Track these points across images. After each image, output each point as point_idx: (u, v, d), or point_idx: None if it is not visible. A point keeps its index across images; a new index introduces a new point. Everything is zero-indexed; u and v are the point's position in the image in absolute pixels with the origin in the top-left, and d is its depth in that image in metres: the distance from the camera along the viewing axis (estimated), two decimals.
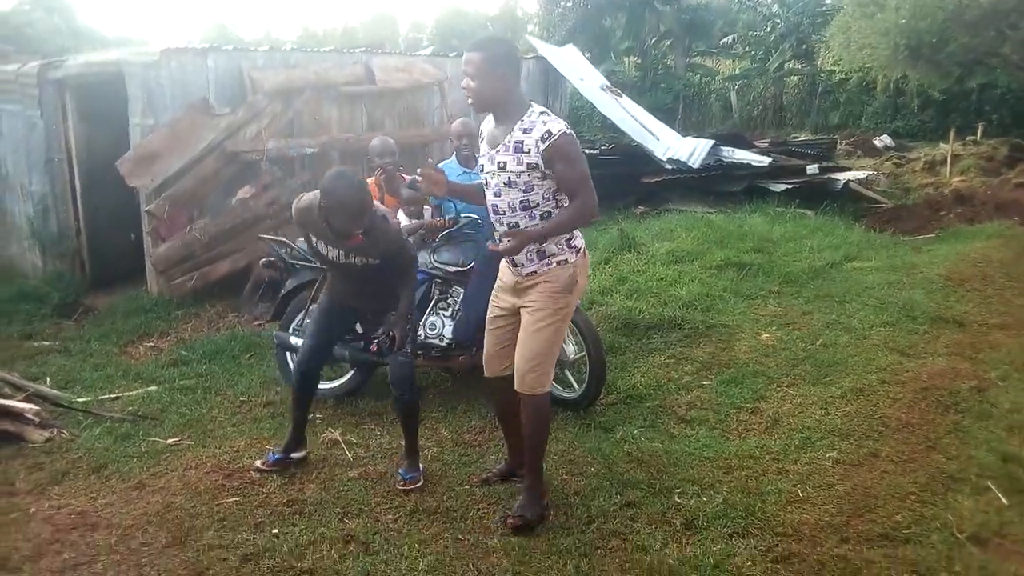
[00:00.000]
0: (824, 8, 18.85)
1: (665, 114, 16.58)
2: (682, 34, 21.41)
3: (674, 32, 21.65)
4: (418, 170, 3.43)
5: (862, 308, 6.14)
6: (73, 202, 8.33)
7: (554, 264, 3.29)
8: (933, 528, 3.26)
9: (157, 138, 7.10)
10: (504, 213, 3.27)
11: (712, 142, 10.89)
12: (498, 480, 3.74)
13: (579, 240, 3.38)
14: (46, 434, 4.40)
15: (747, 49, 22.03)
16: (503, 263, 3.47)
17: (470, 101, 3.28)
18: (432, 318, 4.88)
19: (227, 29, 38.83)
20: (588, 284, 5.39)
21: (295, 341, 4.83)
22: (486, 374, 3.61)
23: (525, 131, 3.16)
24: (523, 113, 3.20)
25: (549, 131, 3.13)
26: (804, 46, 19.63)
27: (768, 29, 20.69)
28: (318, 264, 4.91)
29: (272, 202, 7.49)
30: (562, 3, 22.55)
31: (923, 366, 5.02)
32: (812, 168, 10.81)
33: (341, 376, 4.95)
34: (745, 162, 10.60)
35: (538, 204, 3.22)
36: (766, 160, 10.55)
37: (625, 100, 12.45)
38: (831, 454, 3.92)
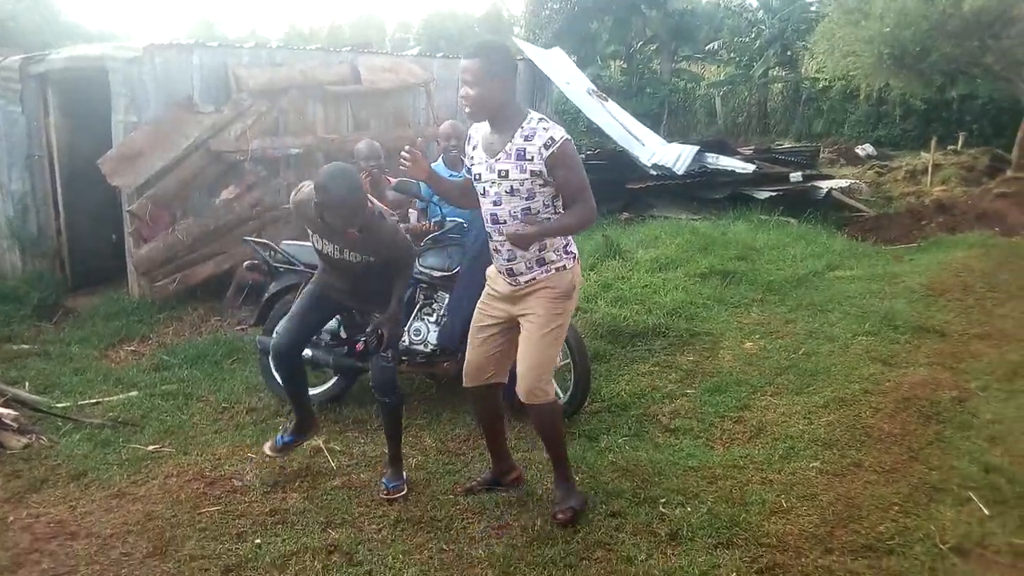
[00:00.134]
0: (809, 15, 19.00)
1: (650, 119, 16.65)
2: (668, 39, 21.52)
3: (660, 37, 21.75)
4: (406, 147, 3.38)
5: (844, 317, 6.18)
6: (54, 201, 8.22)
7: (553, 271, 3.30)
8: (916, 539, 3.28)
9: (140, 136, 7.02)
10: (504, 222, 3.24)
11: (697, 148, 10.95)
12: (482, 489, 3.73)
13: (574, 246, 3.40)
14: (24, 440, 4.34)
15: (732, 55, 22.19)
16: (493, 272, 3.45)
17: (468, 110, 3.24)
18: (417, 323, 4.85)
19: (212, 26, 38.59)
20: None
21: None
22: (466, 384, 3.57)
23: (526, 138, 3.15)
24: (522, 120, 3.19)
25: (552, 138, 3.13)
26: (788, 53, 19.79)
27: (753, 35, 20.84)
28: (302, 267, 4.90)
29: (256, 203, 7.44)
30: (549, 6, 22.58)
31: (905, 376, 5.06)
32: (795, 176, 10.90)
33: (324, 382, 4.91)
34: (729, 169, 10.65)
35: (538, 211, 3.22)
36: (750, 167, 10.61)
37: (611, 104, 12.47)
38: (815, 464, 3.94)
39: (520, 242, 3.13)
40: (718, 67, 23.31)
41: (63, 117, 8.05)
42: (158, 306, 7.04)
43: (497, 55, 3.20)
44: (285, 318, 3.99)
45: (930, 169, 12.64)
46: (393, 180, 4.83)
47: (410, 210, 5.29)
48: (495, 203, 3.25)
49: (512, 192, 3.19)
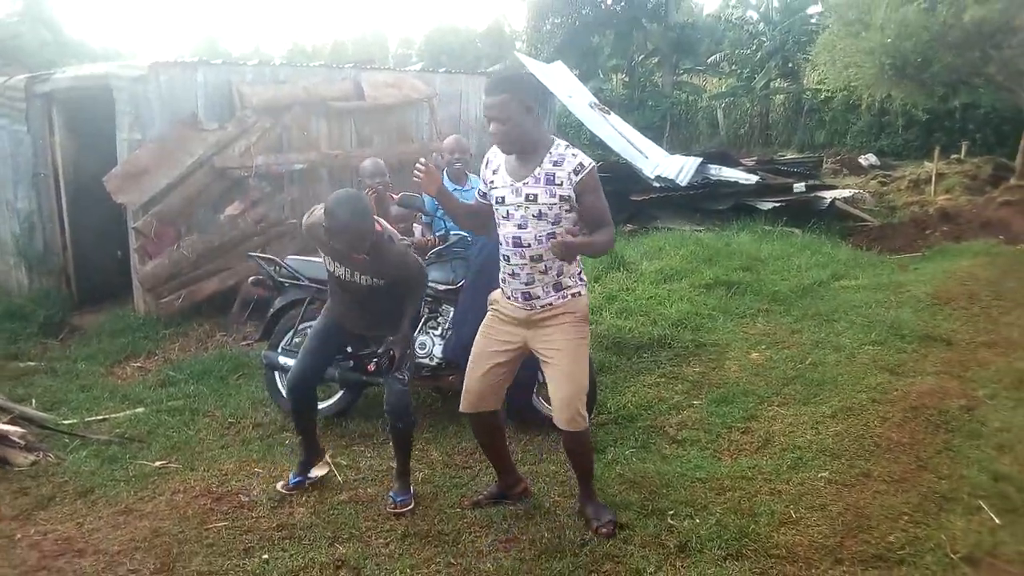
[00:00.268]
0: (810, 27, 19.06)
1: (653, 132, 16.68)
2: (669, 52, 21.59)
3: (661, 50, 21.83)
4: (421, 159, 3.38)
5: (850, 327, 6.17)
6: (59, 218, 8.26)
7: (569, 296, 3.32)
8: (927, 548, 3.26)
9: (145, 153, 7.06)
10: (529, 245, 3.23)
11: (700, 160, 10.96)
12: (489, 502, 3.71)
13: (583, 273, 3.43)
14: (31, 457, 4.34)
15: (733, 67, 22.25)
16: (499, 297, 3.43)
17: (498, 144, 3.23)
18: (422, 337, 4.85)
19: (216, 43, 38.80)
20: None
21: (284, 361, 4.79)
22: (467, 409, 3.51)
23: (555, 163, 3.17)
24: (550, 145, 3.21)
25: (581, 164, 3.17)
26: (790, 64, 19.84)
27: (754, 47, 20.90)
28: (307, 282, 4.91)
29: (260, 219, 7.47)
30: (550, 20, 22.66)
31: (912, 385, 5.04)
32: (799, 186, 10.90)
33: (330, 397, 4.91)
34: (732, 180, 10.67)
35: (560, 235, 3.23)
36: (753, 178, 10.62)
37: (613, 118, 12.51)
38: (823, 474, 3.92)
39: (566, 252, 3.10)
40: (719, 79, 23.37)
41: (68, 135, 8.09)
42: (164, 322, 7.05)
43: (524, 87, 3.20)
44: (299, 353, 3.98)
45: (933, 178, 12.64)
46: (396, 196, 4.85)
47: (414, 224, 5.31)
48: (520, 226, 3.23)
49: (540, 216, 3.20)
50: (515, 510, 3.64)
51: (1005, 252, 8.58)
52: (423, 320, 4.91)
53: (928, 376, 5.20)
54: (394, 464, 3.87)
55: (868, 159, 15.86)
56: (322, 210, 3.57)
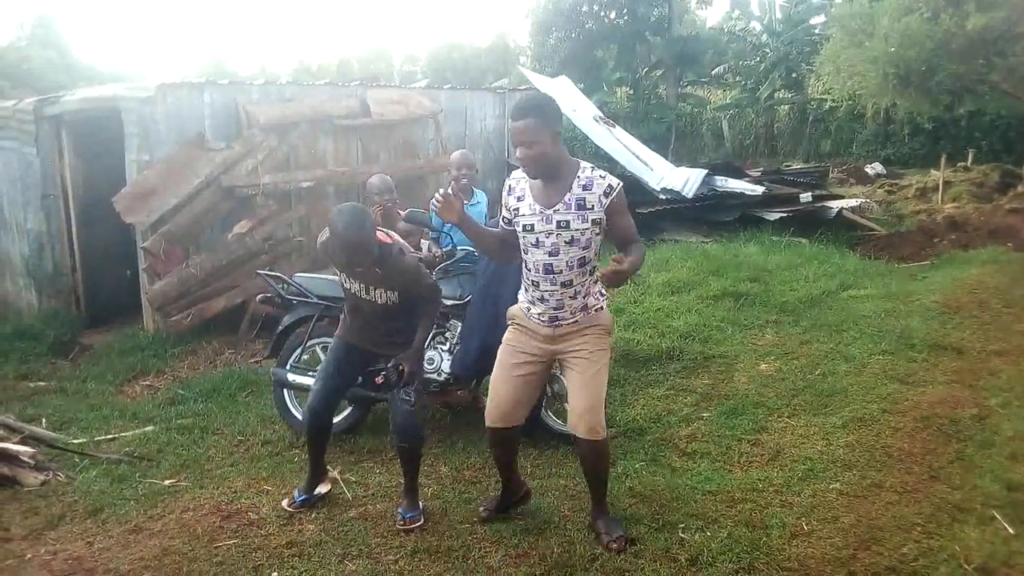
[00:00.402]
0: (813, 37, 19.08)
1: (658, 144, 16.69)
2: (673, 64, 21.63)
3: (665, 62, 21.88)
4: (440, 191, 3.36)
5: (860, 337, 6.14)
6: (69, 239, 8.33)
7: (592, 312, 3.35)
8: (940, 560, 3.24)
9: (153, 174, 7.12)
10: (560, 272, 3.23)
11: (705, 172, 10.96)
12: (497, 515, 3.68)
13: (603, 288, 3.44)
14: (41, 477, 4.36)
15: (738, 78, 22.28)
16: (519, 312, 3.42)
17: (525, 169, 3.21)
18: (430, 353, 4.85)
19: (223, 64, 39.13)
20: None
21: (293, 378, 4.81)
22: (497, 425, 3.45)
23: (584, 187, 3.17)
24: (576, 169, 3.21)
25: (610, 186, 3.18)
26: (794, 75, 19.85)
27: (758, 59, 20.93)
28: (315, 299, 4.93)
29: (268, 237, 7.51)
30: (553, 35, 22.75)
31: (923, 394, 5.01)
32: (805, 196, 10.87)
33: (339, 413, 4.90)
34: (738, 191, 10.66)
35: (590, 260, 3.27)
36: (759, 189, 10.61)
37: (618, 131, 12.54)
38: (835, 486, 3.90)
39: (620, 281, 3.11)
40: (724, 91, 23.40)
41: (77, 157, 8.18)
42: (172, 340, 7.08)
43: (550, 109, 3.19)
44: (317, 376, 3.97)
45: (940, 186, 12.60)
46: (402, 212, 4.87)
47: (422, 240, 5.32)
48: (551, 253, 3.22)
49: (572, 242, 3.20)
50: (525, 525, 3.63)
51: (1014, 259, 8.52)
52: (431, 336, 4.91)
53: (939, 385, 5.17)
54: (403, 480, 3.86)
55: (874, 168, 15.85)
56: None
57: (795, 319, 6.71)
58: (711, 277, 7.67)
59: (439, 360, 4.83)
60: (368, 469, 4.42)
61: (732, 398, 5.14)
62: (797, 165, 15.81)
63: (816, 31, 19.45)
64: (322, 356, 4.71)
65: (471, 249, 4.84)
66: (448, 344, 4.86)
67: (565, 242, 3.20)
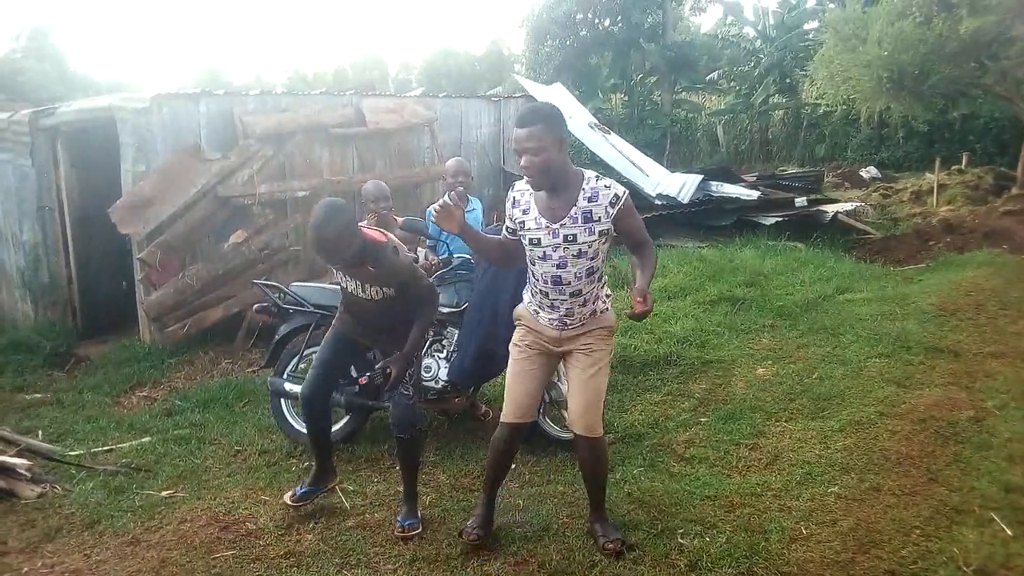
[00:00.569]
0: (807, 43, 19.14)
1: (653, 150, 16.74)
2: (667, 70, 21.69)
3: (659, 69, 21.93)
4: (439, 201, 3.36)
5: (856, 340, 6.15)
6: (65, 251, 8.32)
7: (599, 313, 3.38)
8: (939, 562, 3.24)
9: (149, 184, 7.12)
10: (569, 283, 3.24)
11: (701, 177, 10.98)
12: (486, 531, 3.56)
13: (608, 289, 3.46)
14: (38, 489, 4.34)
15: (732, 84, 22.31)
16: (525, 313, 3.44)
17: (531, 178, 3.18)
18: (427, 360, 4.85)
19: (219, 74, 39.15)
20: None
21: (290, 387, 4.80)
22: (511, 419, 3.43)
23: (590, 199, 3.16)
24: (581, 180, 3.19)
25: (616, 195, 3.17)
26: (788, 80, 19.89)
27: (752, 64, 20.97)
28: (311, 308, 4.92)
29: (264, 247, 7.50)
30: (548, 42, 22.82)
31: (920, 397, 5.02)
32: (801, 201, 10.90)
33: (336, 422, 4.89)
34: (734, 196, 10.68)
35: (598, 268, 3.28)
36: (755, 194, 10.63)
37: (613, 137, 12.57)
38: (833, 489, 3.90)
39: (645, 316, 3.13)
40: (718, 96, 23.43)
41: (73, 168, 8.18)
42: (169, 351, 7.07)
43: (554, 117, 3.18)
44: (311, 366, 3.98)
45: (935, 189, 12.64)
46: (400, 219, 4.88)
47: (418, 248, 5.32)
48: (559, 266, 3.22)
49: (580, 255, 3.20)
50: (524, 532, 3.62)
51: (1009, 262, 8.55)
52: (428, 343, 4.91)
53: (936, 388, 5.18)
54: (401, 488, 3.85)
55: (869, 172, 15.88)
56: None
57: (792, 323, 6.72)
58: (708, 282, 7.68)
59: (436, 368, 4.83)
60: (366, 478, 4.41)
61: (730, 403, 5.15)
62: (792, 170, 15.82)
63: (810, 36, 19.51)
64: None
65: (468, 257, 4.85)
66: (445, 352, 4.86)
67: (573, 255, 3.20)
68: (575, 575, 3.26)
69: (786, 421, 4.83)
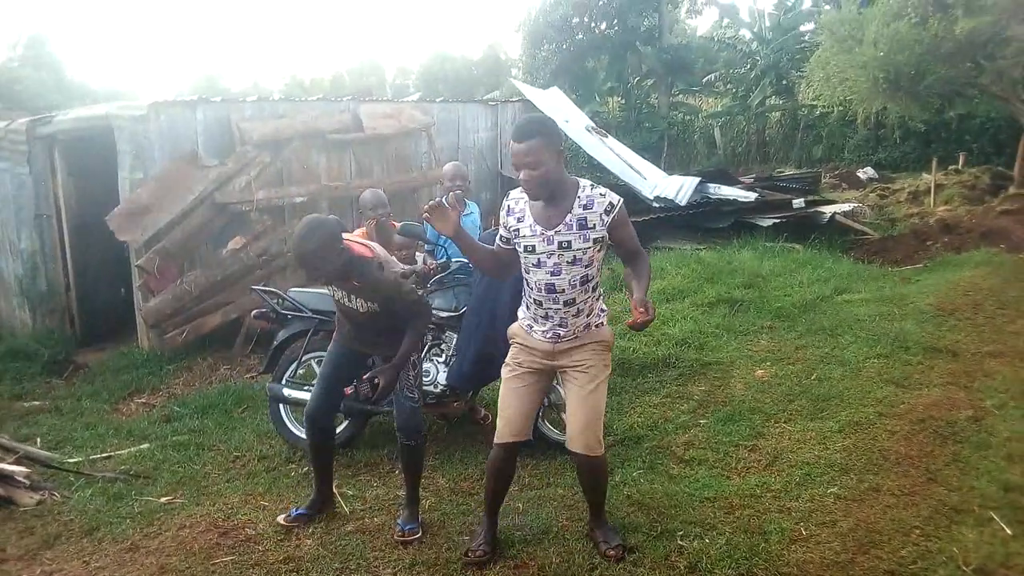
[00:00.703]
0: (803, 44, 19.18)
1: (650, 153, 16.76)
2: (664, 73, 21.73)
3: (656, 72, 21.97)
4: (432, 200, 3.33)
5: (855, 341, 6.15)
6: (63, 258, 8.33)
7: (593, 327, 3.35)
8: (939, 562, 3.24)
9: (146, 192, 7.12)
10: (563, 291, 3.22)
11: (698, 179, 10.99)
12: (491, 550, 3.49)
13: (604, 304, 3.45)
14: (37, 497, 4.34)
15: (729, 86, 22.36)
16: (519, 331, 3.42)
17: (529, 191, 3.17)
18: (425, 364, 4.85)
19: (216, 81, 39.21)
20: None
21: (288, 393, 4.80)
22: (509, 440, 3.38)
23: (585, 207, 3.16)
24: (576, 189, 3.19)
25: (611, 203, 3.17)
26: (784, 82, 19.94)
27: (748, 66, 21.02)
28: (310, 314, 4.93)
29: (262, 253, 7.50)
30: (545, 46, 22.85)
31: (919, 397, 5.02)
32: (798, 202, 10.91)
33: (336, 427, 4.88)
34: (732, 198, 10.69)
35: (593, 276, 3.26)
36: (752, 195, 10.65)
37: (611, 140, 12.58)
38: (832, 490, 3.90)
39: (647, 325, 3.10)
40: (715, 99, 23.49)
41: (70, 176, 8.19)
42: (167, 357, 7.07)
43: (553, 130, 3.17)
44: (316, 383, 3.97)
45: (932, 189, 12.66)
46: (397, 225, 4.88)
47: (417, 253, 5.32)
48: (553, 273, 3.21)
49: (574, 262, 3.19)
50: (524, 535, 3.62)
51: (1007, 261, 8.56)
52: (426, 347, 4.91)
53: (935, 388, 5.18)
54: (400, 493, 3.85)
55: (866, 172, 15.91)
56: None
57: (790, 324, 6.72)
58: (706, 284, 7.69)
59: (435, 372, 4.82)
60: (366, 483, 4.41)
61: (729, 404, 5.15)
62: (789, 171, 15.87)
63: (806, 38, 19.56)
64: (317, 370, 4.70)
65: (466, 261, 4.85)
66: (444, 356, 4.86)
67: (567, 262, 3.19)
68: None
69: (785, 422, 4.83)
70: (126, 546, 3.79)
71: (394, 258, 3.91)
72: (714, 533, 3.53)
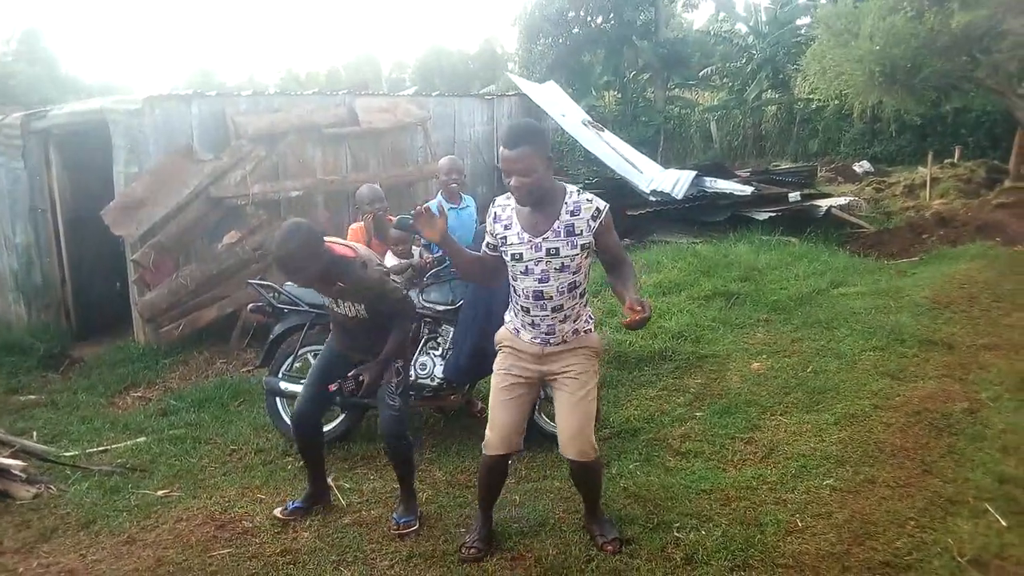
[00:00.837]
0: (799, 38, 19.17)
1: (647, 147, 16.73)
2: (660, 67, 21.69)
3: (652, 66, 21.94)
4: (419, 206, 3.32)
5: (851, 333, 6.16)
6: (58, 252, 8.31)
7: (582, 333, 3.33)
8: (934, 553, 3.25)
9: (141, 186, 7.10)
10: (551, 298, 3.21)
11: (694, 173, 10.99)
12: (485, 547, 3.49)
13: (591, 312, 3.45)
14: (33, 490, 4.34)
15: (725, 80, 22.34)
16: (507, 336, 3.40)
17: (520, 198, 3.14)
18: (422, 358, 4.86)
19: (211, 75, 39.12)
20: None
21: (285, 386, 4.80)
22: (498, 451, 3.36)
23: (572, 213, 3.15)
24: (564, 195, 3.18)
25: (598, 209, 3.16)
26: (780, 76, 19.93)
27: (744, 60, 21.00)
28: (306, 308, 4.92)
29: (258, 247, 7.49)
30: (541, 40, 22.81)
31: (914, 389, 5.03)
32: (794, 196, 10.90)
33: (332, 420, 4.90)
34: (728, 191, 10.68)
35: (580, 283, 3.25)
36: (748, 189, 10.64)
37: (607, 134, 12.58)
38: (828, 482, 3.91)
39: (643, 324, 3.05)
40: (711, 92, 23.46)
41: (65, 170, 8.16)
42: (164, 351, 7.06)
43: (542, 137, 3.15)
44: (303, 386, 3.97)
45: (928, 183, 12.67)
46: (394, 219, 4.87)
47: (413, 247, 5.32)
48: (541, 280, 3.19)
49: (562, 269, 3.18)
50: (520, 528, 3.63)
51: (1002, 254, 8.58)
52: (423, 341, 4.91)
53: (930, 380, 5.19)
54: (397, 486, 3.85)
55: (862, 166, 15.92)
56: None
57: (786, 317, 6.73)
58: (702, 277, 7.69)
59: (432, 365, 4.83)
60: (362, 475, 4.41)
61: (725, 397, 5.16)
62: (785, 165, 15.86)
63: (802, 32, 19.56)
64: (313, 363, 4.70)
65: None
66: (441, 349, 4.86)
67: (555, 269, 3.18)
68: (571, 570, 3.26)
69: (781, 415, 4.84)
70: (123, 539, 3.79)
71: (376, 256, 3.90)
72: (710, 525, 3.54)
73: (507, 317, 3.44)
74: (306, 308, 4.93)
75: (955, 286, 7.31)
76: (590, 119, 12.91)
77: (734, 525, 3.52)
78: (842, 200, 11.70)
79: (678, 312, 6.77)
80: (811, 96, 17.56)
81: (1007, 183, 11.79)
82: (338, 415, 4.88)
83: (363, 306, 3.66)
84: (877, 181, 14.30)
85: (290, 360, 4.90)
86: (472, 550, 3.42)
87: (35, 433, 5.45)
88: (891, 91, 11.65)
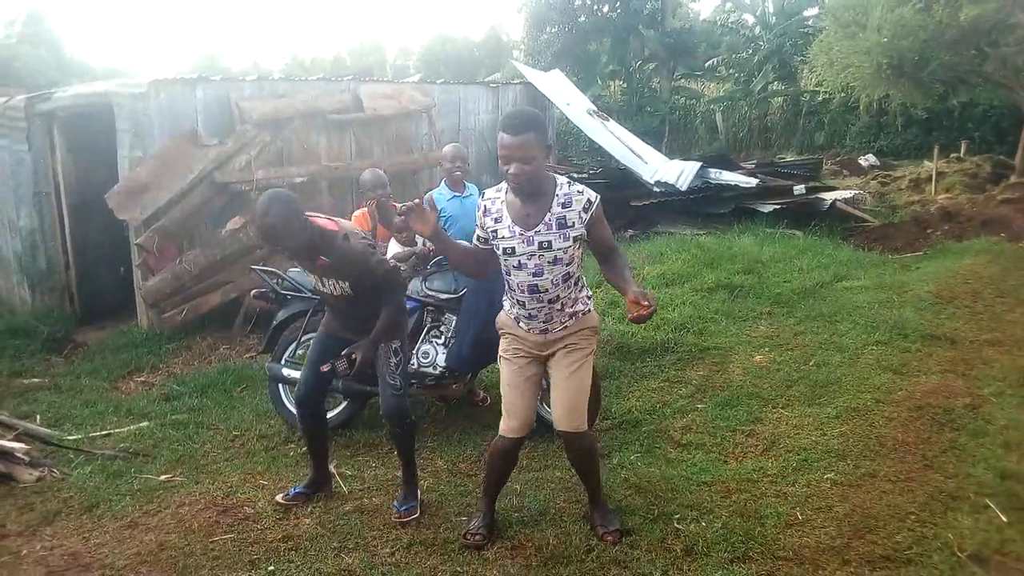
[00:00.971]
0: (806, 29, 19.07)
1: (652, 137, 16.70)
2: (666, 57, 21.62)
3: (658, 55, 21.86)
4: (410, 202, 3.32)
5: (854, 327, 6.15)
6: (62, 236, 8.31)
7: (580, 316, 3.35)
8: (934, 548, 3.25)
9: (146, 170, 7.09)
10: (546, 290, 3.21)
11: (699, 164, 10.95)
12: (490, 535, 3.51)
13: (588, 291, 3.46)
14: (36, 473, 4.36)
15: (731, 71, 22.24)
16: (508, 321, 3.40)
17: (517, 186, 3.12)
18: (425, 346, 4.86)
19: (216, 60, 38.95)
20: None
21: (287, 373, 4.80)
22: (517, 434, 3.37)
23: (564, 205, 3.14)
24: (554, 187, 3.17)
25: (589, 200, 3.16)
26: (787, 67, 19.83)
27: (751, 51, 20.91)
28: (309, 294, 4.92)
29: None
30: (547, 29, 22.73)
31: (917, 384, 5.03)
32: (799, 188, 10.87)
33: (334, 408, 4.91)
34: (732, 183, 10.65)
35: (574, 274, 3.25)
36: (753, 181, 10.61)
37: (612, 124, 12.54)
38: (829, 475, 3.91)
39: (648, 318, 3.05)
40: (717, 83, 23.34)
41: (69, 154, 8.15)
42: (167, 337, 7.07)
43: (543, 124, 3.15)
44: (303, 368, 3.97)
45: (934, 177, 12.62)
46: (398, 205, 4.86)
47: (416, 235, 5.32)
48: (535, 274, 3.18)
49: (556, 261, 3.17)
50: (521, 517, 3.64)
51: (1007, 250, 8.56)
52: (426, 329, 4.91)
53: (933, 375, 5.19)
54: (399, 473, 3.86)
55: (868, 159, 15.85)
56: None
57: (789, 310, 6.73)
58: (705, 269, 7.68)
59: (434, 354, 4.83)
60: (364, 463, 4.43)
61: (727, 389, 5.16)
62: (791, 157, 15.80)
63: (809, 23, 19.43)
64: None
65: (466, 243, 4.83)
66: (443, 338, 4.86)
67: (549, 262, 3.16)
68: (572, 559, 3.27)
69: (783, 408, 4.84)
70: (125, 523, 3.81)
71: (361, 230, 3.86)
72: (710, 517, 3.55)
73: (505, 304, 3.45)
74: (309, 294, 4.92)
75: (959, 281, 7.29)
76: (595, 108, 12.86)
77: (734, 517, 3.53)
78: (847, 193, 11.65)
79: (681, 304, 6.77)
80: (817, 88, 17.49)
81: (1013, 178, 11.74)
82: (340, 402, 4.88)
83: (347, 283, 3.62)
84: (883, 175, 14.24)
85: (293, 346, 4.91)
86: (477, 537, 3.43)
87: (38, 416, 5.46)
88: (898, 84, 11.60)
